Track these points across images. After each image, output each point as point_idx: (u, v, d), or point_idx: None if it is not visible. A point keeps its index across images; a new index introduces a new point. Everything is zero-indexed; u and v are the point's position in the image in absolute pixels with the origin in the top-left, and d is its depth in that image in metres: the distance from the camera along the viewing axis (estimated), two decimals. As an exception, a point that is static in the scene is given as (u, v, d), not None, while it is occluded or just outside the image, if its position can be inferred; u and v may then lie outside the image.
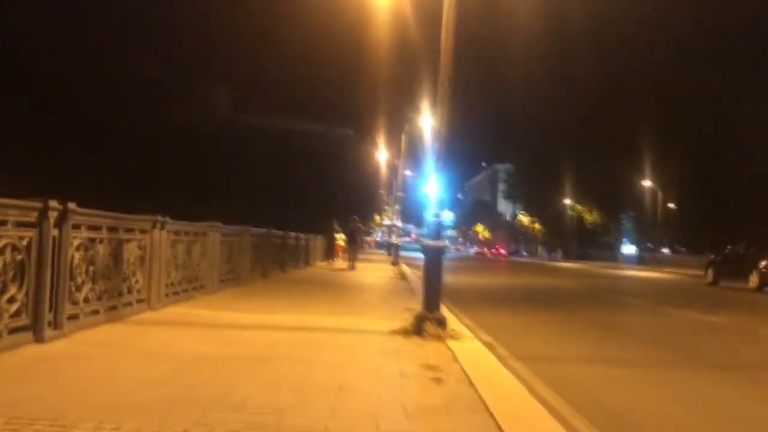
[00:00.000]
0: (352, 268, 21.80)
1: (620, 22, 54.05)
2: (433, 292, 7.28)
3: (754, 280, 20.67)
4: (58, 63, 43.60)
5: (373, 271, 22.20)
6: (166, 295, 8.78)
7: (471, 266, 37.82)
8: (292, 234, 20.85)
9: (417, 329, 7.17)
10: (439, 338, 6.96)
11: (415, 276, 20.44)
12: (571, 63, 59.81)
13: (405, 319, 7.72)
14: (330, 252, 23.78)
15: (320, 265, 23.06)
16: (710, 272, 24.47)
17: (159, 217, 8.25)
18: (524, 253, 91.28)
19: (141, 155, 45.22)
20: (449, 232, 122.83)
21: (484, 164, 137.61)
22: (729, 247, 25.60)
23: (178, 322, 7.41)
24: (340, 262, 22.63)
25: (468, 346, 6.84)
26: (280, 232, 18.46)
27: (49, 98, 41.28)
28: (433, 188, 7.34)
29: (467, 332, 7.83)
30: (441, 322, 7.17)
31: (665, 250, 57.33)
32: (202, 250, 10.49)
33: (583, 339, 8.95)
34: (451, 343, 6.82)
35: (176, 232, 9.12)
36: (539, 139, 69.60)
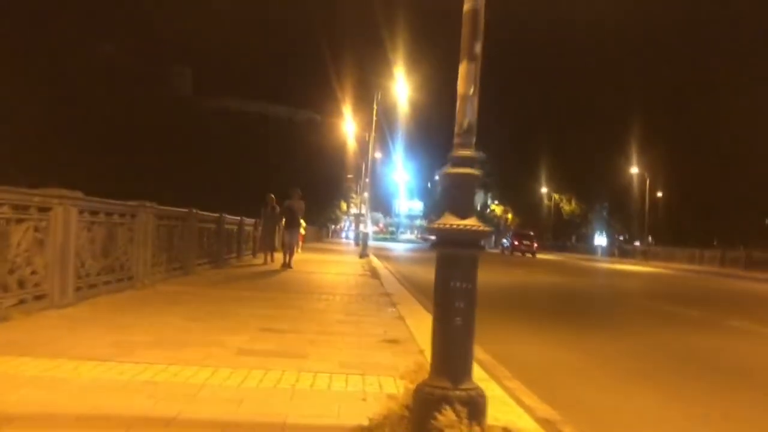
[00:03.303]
0: (286, 265, 14.94)
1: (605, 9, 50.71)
2: (459, 339, 3.14)
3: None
4: (14, 42, 39.81)
5: (336, 266, 18.00)
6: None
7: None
8: (234, 218, 16.54)
9: (421, 423, 3.07)
10: (474, 452, 2.88)
11: (388, 272, 16.36)
12: (552, 45, 56.41)
13: (389, 391, 3.61)
14: (266, 242, 16.50)
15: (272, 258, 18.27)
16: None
17: None
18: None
19: (95, 135, 42.08)
20: (418, 222, 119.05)
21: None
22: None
23: None
24: (298, 255, 17.55)
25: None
26: (214, 215, 14.15)
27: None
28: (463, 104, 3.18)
29: (517, 412, 3.78)
30: (476, 410, 3.06)
31: (637, 243, 54.22)
32: (41, 237, 6.20)
33: (695, 400, 4.94)
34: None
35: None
36: (514, 125, 66.05)
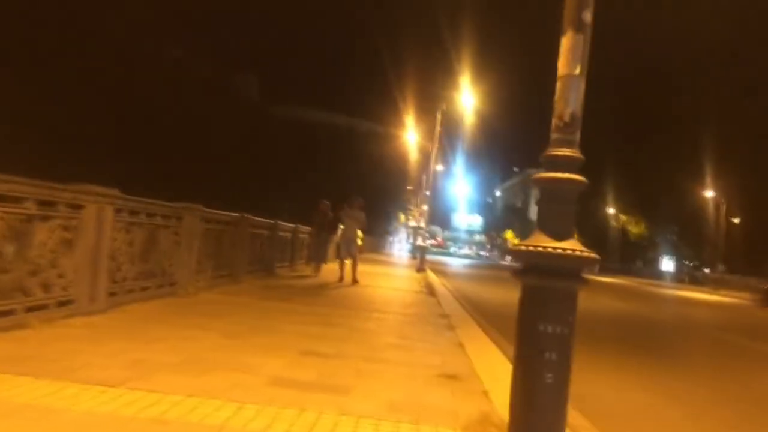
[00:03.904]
0: (348, 279, 13.43)
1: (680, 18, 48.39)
2: (548, 402, 2.36)
3: None
4: (84, 49, 41.04)
5: (391, 279, 17.27)
6: None
7: (505, 277, 32.61)
8: (289, 225, 16.04)
9: None
10: None
11: (446, 290, 15.50)
12: (618, 55, 54.30)
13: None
14: (318, 251, 15.61)
15: (325, 268, 17.41)
16: None
17: None
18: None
19: (165, 142, 43.09)
20: (477, 237, 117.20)
21: (516, 169, 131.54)
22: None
23: None
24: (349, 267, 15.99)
25: None
26: (268, 221, 13.65)
27: (73, 82, 39.01)
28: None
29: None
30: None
31: (707, 270, 51.45)
32: (71, 237, 5.69)
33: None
34: None
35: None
36: (581, 142, 64.03)
